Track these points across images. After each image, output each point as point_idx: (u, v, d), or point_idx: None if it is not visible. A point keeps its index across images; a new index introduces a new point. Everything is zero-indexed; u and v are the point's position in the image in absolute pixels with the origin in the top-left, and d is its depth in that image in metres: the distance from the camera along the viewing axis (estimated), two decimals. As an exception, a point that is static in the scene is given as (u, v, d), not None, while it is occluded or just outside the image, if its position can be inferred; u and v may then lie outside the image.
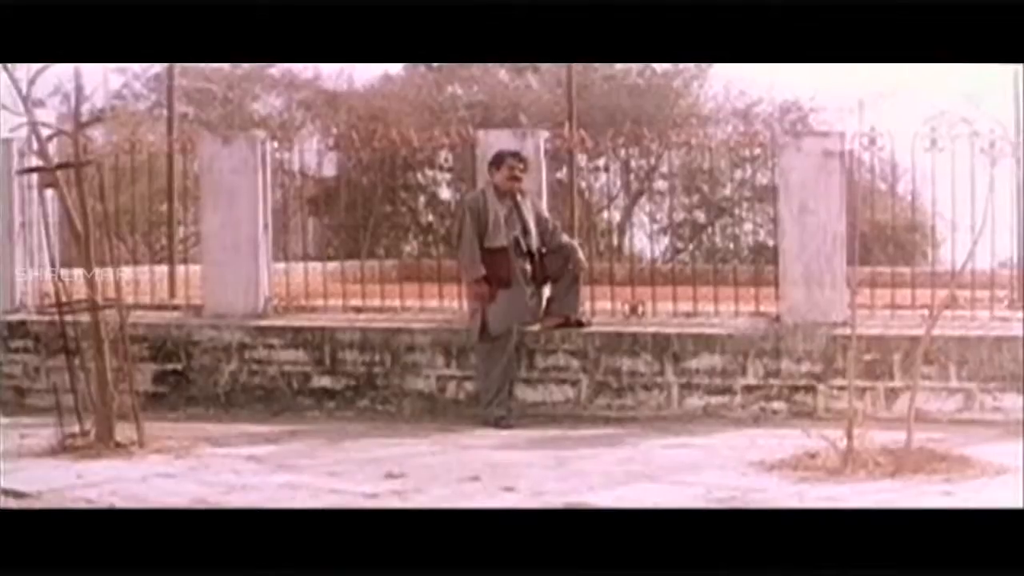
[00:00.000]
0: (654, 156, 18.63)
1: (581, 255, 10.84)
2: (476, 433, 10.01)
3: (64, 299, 9.79)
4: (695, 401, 10.50)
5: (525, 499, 7.70)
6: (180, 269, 13.61)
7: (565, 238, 10.89)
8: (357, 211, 16.39)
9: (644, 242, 19.97)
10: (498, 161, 10.58)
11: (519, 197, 10.59)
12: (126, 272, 11.47)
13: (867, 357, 10.06)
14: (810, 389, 10.35)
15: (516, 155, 10.61)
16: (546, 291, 10.81)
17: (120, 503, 7.61)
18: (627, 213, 22.38)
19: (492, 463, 8.80)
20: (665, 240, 19.43)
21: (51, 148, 9.91)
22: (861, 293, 10.44)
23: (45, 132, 9.80)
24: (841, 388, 9.61)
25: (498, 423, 10.26)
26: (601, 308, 11.20)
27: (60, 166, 9.74)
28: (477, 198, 10.62)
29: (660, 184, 21.29)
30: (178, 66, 16.52)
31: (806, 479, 7.91)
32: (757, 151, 12.01)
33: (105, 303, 9.48)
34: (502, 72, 24.62)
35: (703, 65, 23.52)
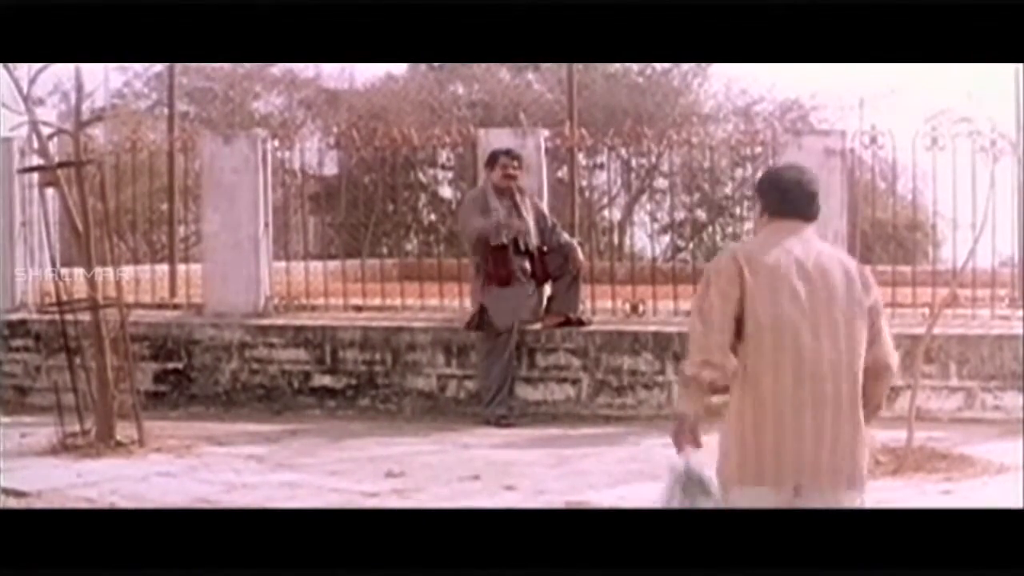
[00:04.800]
0: (655, 154, 18.60)
1: (580, 254, 10.83)
2: (477, 432, 10.02)
3: (65, 298, 9.81)
4: (696, 400, 10.49)
5: (526, 498, 7.71)
6: (181, 268, 13.61)
7: (565, 236, 10.89)
8: (358, 210, 16.40)
9: (645, 241, 19.99)
10: (492, 160, 10.60)
11: (518, 196, 10.60)
12: (127, 271, 11.49)
13: (868, 356, 10.06)
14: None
15: (509, 153, 10.62)
16: (547, 290, 10.82)
17: (121, 502, 7.63)
18: (628, 212, 22.38)
19: (493, 462, 8.81)
20: (666, 239, 19.44)
21: (52, 147, 9.92)
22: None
23: (46, 131, 9.81)
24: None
25: (499, 422, 10.27)
26: (602, 307, 11.21)
27: (61, 165, 9.75)
28: (477, 196, 10.63)
29: (661, 183, 21.28)
30: (179, 65, 16.51)
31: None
32: (758, 149, 12.01)
33: (106, 302, 9.49)
34: (503, 71, 24.61)
35: (704, 64, 23.52)
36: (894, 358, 4.82)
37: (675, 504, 4.83)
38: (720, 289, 4.67)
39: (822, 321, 4.63)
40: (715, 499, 4.83)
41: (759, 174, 5.22)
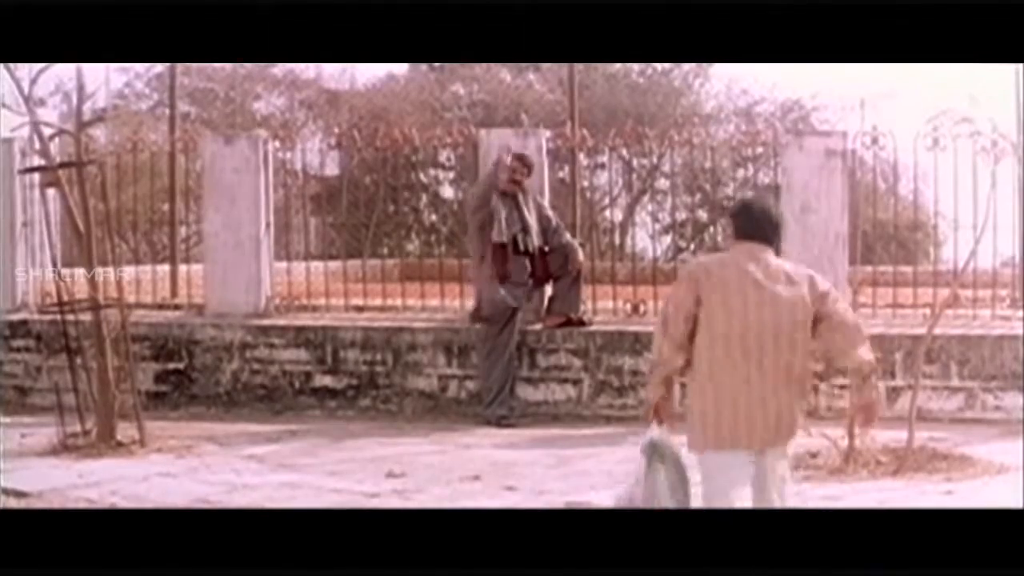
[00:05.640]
0: (656, 155, 18.60)
1: (580, 254, 10.83)
2: (478, 432, 10.02)
3: (66, 298, 9.80)
4: (697, 400, 10.49)
5: (526, 498, 7.71)
6: (182, 268, 13.61)
7: (567, 237, 10.89)
8: (359, 210, 16.38)
9: (646, 241, 20.00)
10: (502, 161, 10.57)
11: (520, 196, 10.59)
12: (128, 271, 11.49)
13: (869, 356, 10.06)
14: (811, 388, 10.33)
15: (521, 158, 10.58)
16: (548, 290, 10.81)
17: (121, 502, 7.63)
18: (629, 212, 22.39)
19: (493, 462, 8.81)
20: (667, 239, 19.47)
21: (53, 147, 9.92)
22: (863, 292, 10.46)
23: (47, 131, 9.81)
24: (842, 387, 9.60)
25: (500, 422, 10.27)
26: (603, 307, 11.21)
27: (62, 165, 9.75)
28: (486, 193, 10.60)
29: (662, 183, 21.32)
30: (180, 66, 16.52)
31: (808, 478, 7.91)
32: (759, 150, 12.01)
33: (107, 302, 9.49)
34: (504, 71, 24.63)
35: (704, 64, 23.53)
36: (863, 347, 5.76)
37: (643, 467, 5.79)
38: (678, 300, 5.75)
39: (766, 319, 5.62)
40: (676, 463, 5.83)
41: (738, 198, 6.36)
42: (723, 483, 5.73)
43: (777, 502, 5.79)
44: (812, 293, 5.71)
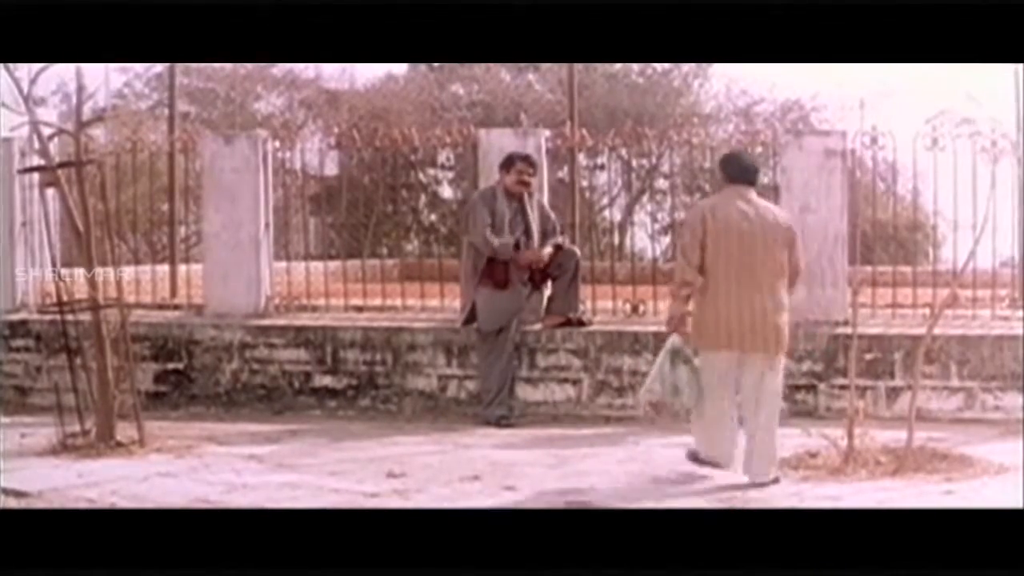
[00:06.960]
0: (655, 155, 18.60)
1: (577, 255, 10.82)
2: (477, 432, 10.02)
3: (65, 298, 9.79)
4: (696, 400, 10.48)
5: (526, 498, 7.70)
6: (181, 268, 13.61)
7: (564, 238, 10.89)
8: (359, 210, 16.39)
9: (645, 241, 19.98)
10: (508, 164, 10.54)
11: (525, 198, 10.58)
12: (127, 271, 11.47)
13: (868, 356, 10.06)
14: (811, 388, 10.35)
15: (527, 159, 10.56)
16: (547, 290, 10.81)
17: (121, 503, 7.62)
18: (628, 212, 22.39)
19: (493, 462, 8.80)
20: (666, 239, 19.44)
21: (52, 147, 9.91)
22: (862, 292, 10.44)
23: (46, 131, 9.80)
24: (842, 387, 9.61)
25: (499, 422, 10.26)
26: (602, 307, 11.21)
27: (61, 165, 9.74)
28: (486, 195, 10.60)
29: (661, 183, 21.30)
30: (180, 65, 16.52)
31: (807, 478, 7.92)
32: (759, 150, 12.00)
33: (106, 302, 9.48)
34: (503, 72, 24.63)
35: (704, 64, 23.54)
36: (802, 263, 7.88)
37: (666, 369, 7.60)
38: (691, 232, 7.62)
39: (756, 247, 7.53)
40: (692, 364, 7.61)
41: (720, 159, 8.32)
42: (710, 378, 7.58)
43: (755, 404, 7.56)
44: (787, 231, 7.67)
